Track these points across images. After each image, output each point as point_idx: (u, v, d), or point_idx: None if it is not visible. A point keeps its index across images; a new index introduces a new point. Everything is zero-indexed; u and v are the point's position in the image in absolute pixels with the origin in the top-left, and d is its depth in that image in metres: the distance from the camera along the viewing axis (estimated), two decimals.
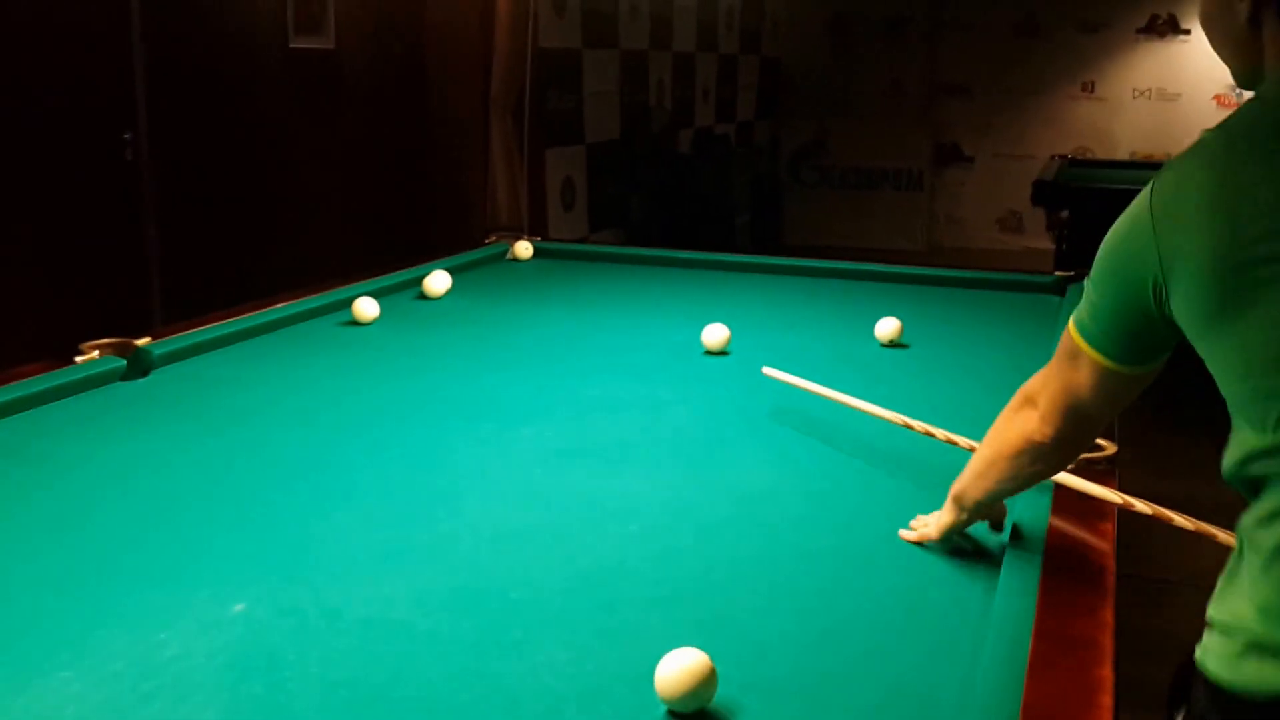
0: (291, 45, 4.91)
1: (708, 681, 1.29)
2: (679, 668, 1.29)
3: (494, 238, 4.11)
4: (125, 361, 2.49)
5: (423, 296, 3.36)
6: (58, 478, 2.00)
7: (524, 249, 3.97)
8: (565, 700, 1.32)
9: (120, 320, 3.03)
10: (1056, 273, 3.58)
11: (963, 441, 1.96)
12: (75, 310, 3.88)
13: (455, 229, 5.38)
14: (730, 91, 9.12)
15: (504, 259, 3.96)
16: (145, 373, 2.53)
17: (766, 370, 2.47)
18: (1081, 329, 1.37)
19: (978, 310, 3.35)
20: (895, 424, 2.10)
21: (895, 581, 1.65)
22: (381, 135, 5.49)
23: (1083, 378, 1.38)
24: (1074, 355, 1.38)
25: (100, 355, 2.47)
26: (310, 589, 1.60)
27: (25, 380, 2.32)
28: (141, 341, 2.57)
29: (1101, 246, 1.32)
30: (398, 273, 3.50)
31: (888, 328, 2.91)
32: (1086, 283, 1.37)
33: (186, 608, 1.53)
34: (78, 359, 2.44)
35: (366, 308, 3.05)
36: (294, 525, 1.83)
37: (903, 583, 1.65)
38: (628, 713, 1.30)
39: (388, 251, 4.13)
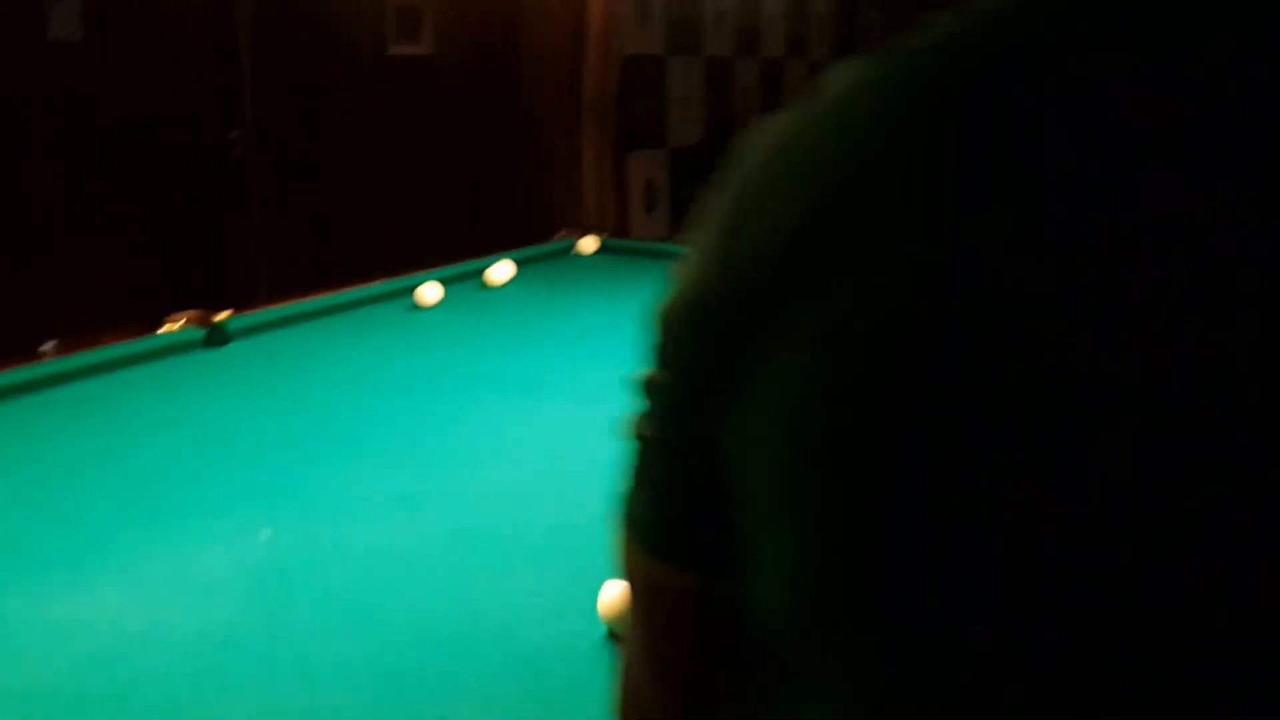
0: (390, 51, 5.23)
1: None
2: (618, 593, 1.51)
3: (562, 233, 4.33)
4: (205, 332, 2.79)
5: (485, 285, 3.60)
6: (137, 427, 2.31)
7: (588, 244, 4.19)
8: (522, 618, 1.56)
9: (226, 299, 3.32)
10: None
11: None
12: (186, 290, 4.22)
13: (538, 226, 5.63)
14: None
15: (569, 254, 4.18)
16: (224, 343, 2.82)
17: None
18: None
19: None
20: None
21: None
22: (473, 138, 5.78)
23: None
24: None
25: (185, 324, 2.77)
26: (329, 523, 1.87)
27: (113, 345, 2.64)
28: (220, 316, 2.86)
29: None
30: (465, 262, 3.75)
31: None
32: None
33: (220, 534, 1.81)
34: (160, 330, 2.74)
35: (428, 292, 3.31)
36: (325, 473, 2.09)
37: None
38: (575, 629, 1.52)
39: (467, 244, 4.38)
